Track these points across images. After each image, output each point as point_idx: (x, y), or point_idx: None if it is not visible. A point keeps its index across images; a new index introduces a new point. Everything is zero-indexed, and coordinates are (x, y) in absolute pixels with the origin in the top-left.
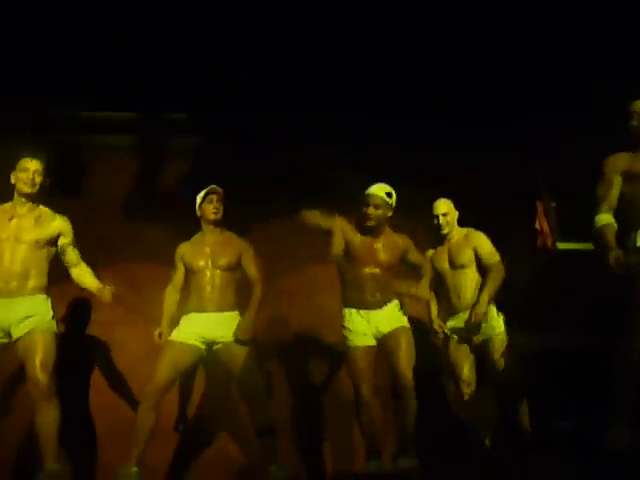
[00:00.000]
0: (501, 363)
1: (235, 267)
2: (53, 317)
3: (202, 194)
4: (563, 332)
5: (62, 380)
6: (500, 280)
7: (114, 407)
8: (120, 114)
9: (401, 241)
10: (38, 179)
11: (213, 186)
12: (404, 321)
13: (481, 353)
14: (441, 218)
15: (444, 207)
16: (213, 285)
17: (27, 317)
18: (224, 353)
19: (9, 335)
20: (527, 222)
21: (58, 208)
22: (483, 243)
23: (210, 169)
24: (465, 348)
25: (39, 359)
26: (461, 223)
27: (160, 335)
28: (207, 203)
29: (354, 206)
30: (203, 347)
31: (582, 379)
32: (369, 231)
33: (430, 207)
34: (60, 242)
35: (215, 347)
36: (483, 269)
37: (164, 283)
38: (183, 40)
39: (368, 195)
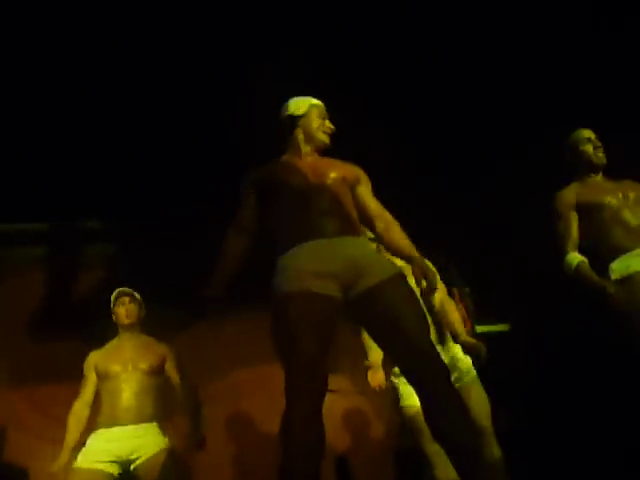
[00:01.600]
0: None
1: (158, 372)
2: None
3: (113, 297)
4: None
5: None
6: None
7: None
8: (29, 225)
9: (348, 165)
10: None
11: (124, 288)
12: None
13: None
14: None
15: None
16: (131, 392)
17: None
18: (146, 468)
19: None
20: None
21: None
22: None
23: (126, 277)
24: None
25: None
26: None
27: (59, 469)
28: (119, 306)
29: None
30: (116, 471)
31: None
32: (297, 156)
33: None
34: None
35: (133, 466)
36: None
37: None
38: (92, 149)
39: (317, 106)
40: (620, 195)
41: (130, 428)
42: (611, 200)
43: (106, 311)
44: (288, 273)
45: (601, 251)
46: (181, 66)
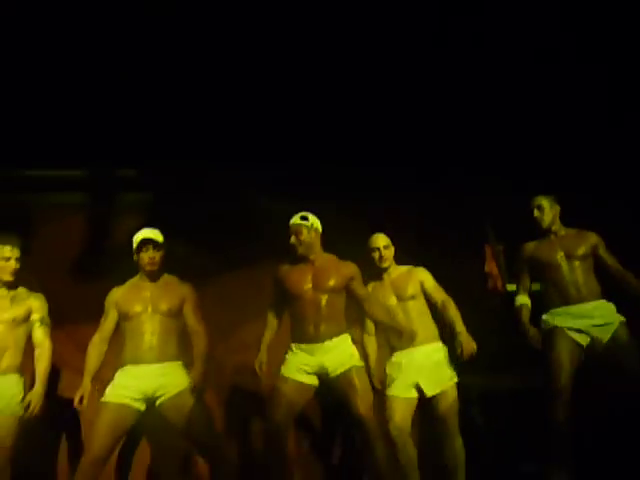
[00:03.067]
0: (450, 418)
1: (178, 313)
2: (23, 398)
3: (137, 241)
4: (516, 373)
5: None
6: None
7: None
8: (69, 172)
9: (344, 267)
10: (17, 266)
11: (148, 233)
12: (355, 359)
13: (430, 402)
14: (383, 251)
15: (384, 240)
16: (152, 333)
17: None
18: (171, 406)
19: None
20: (477, 266)
21: None
22: (429, 278)
23: (161, 225)
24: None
25: None
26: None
27: (82, 399)
28: (143, 252)
29: None
30: (142, 407)
31: (536, 420)
32: (302, 260)
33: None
34: (30, 318)
35: (158, 402)
36: (432, 304)
37: (116, 345)
38: (131, 96)
39: (289, 227)
40: (563, 255)
41: (155, 366)
42: (556, 260)
43: None
44: (287, 364)
45: (543, 301)
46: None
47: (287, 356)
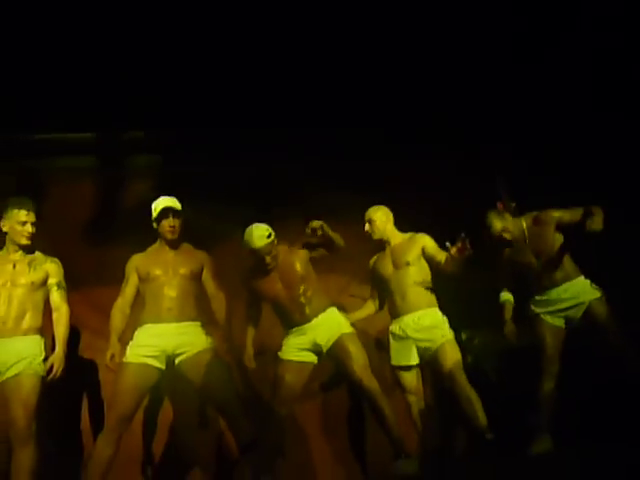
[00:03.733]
0: (454, 371)
1: (197, 277)
2: (45, 359)
3: (157, 209)
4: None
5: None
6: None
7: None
8: (76, 135)
9: (301, 253)
10: (33, 230)
11: (169, 202)
12: (344, 326)
13: (432, 362)
14: (366, 225)
15: (369, 214)
16: (172, 294)
17: (18, 359)
18: (191, 366)
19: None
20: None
21: None
22: (430, 242)
23: (169, 187)
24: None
25: (21, 403)
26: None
27: (112, 357)
28: (164, 220)
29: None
30: (162, 365)
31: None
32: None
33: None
34: (47, 282)
35: (178, 361)
36: (437, 267)
37: (136, 311)
38: (138, 58)
39: (256, 250)
40: (530, 252)
41: (174, 325)
42: (527, 260)
43: (150, 222)
44: (284, 348)
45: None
46: None
47: (283, 341)
